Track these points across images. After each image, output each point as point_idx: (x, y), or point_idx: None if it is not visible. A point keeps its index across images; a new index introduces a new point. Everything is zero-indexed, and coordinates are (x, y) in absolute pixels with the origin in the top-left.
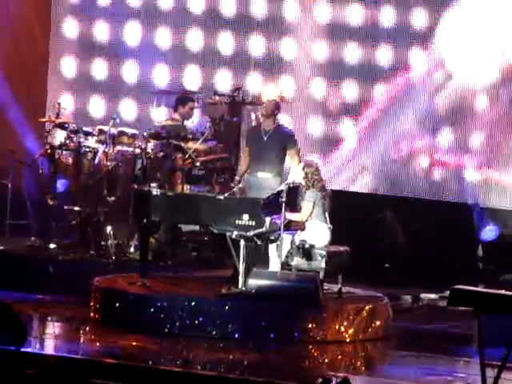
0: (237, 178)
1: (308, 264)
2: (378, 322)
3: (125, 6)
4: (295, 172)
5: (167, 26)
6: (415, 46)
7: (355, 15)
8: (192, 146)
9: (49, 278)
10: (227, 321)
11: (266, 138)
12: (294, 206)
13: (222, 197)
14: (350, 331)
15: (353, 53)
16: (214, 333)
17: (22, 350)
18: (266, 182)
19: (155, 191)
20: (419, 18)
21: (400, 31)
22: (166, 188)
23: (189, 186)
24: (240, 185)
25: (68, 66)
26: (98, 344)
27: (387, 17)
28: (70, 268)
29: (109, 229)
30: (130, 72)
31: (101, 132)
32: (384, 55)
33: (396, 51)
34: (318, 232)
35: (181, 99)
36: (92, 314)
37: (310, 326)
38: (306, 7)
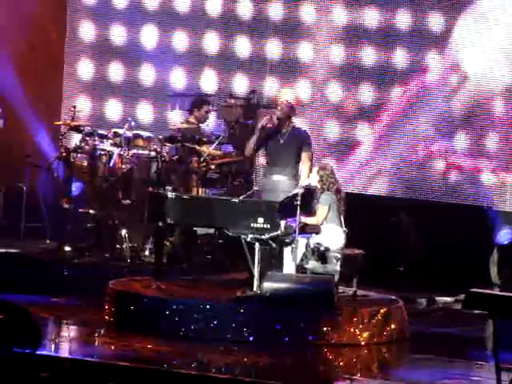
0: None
1: (323, 267)
2: (392, 326)
3: (141, 8)
4: (310, 175)
5: (184, 29)
6: (431, 49)
7: (371, 18)
8: (207, 149)
9: (64, 280)
10: (242, 324)
11: (282, 141)
12: (308, 210)
13: (236, 200)
14: (365, 334)
15: (369, 56)
16: (228, 336)
17: (37, 352)
18: (281, 184)
19: (170, 194)
20: (435, 21)
21: (416, 34)
22: (180, 191)
23: (204, 189)
24: (256, 187)
25: (84, 68)
26: (112, 347)
27: (403, 20)
28: (84, 271)
29: (124, 232)
30: (146, 75)
31: (116, 135)
32: (400, 58)
33: (412, 54)
34: (332, 235)
35: (196, 102)
36: (107, 317)
37: (325, 329)
38: (321, 10)
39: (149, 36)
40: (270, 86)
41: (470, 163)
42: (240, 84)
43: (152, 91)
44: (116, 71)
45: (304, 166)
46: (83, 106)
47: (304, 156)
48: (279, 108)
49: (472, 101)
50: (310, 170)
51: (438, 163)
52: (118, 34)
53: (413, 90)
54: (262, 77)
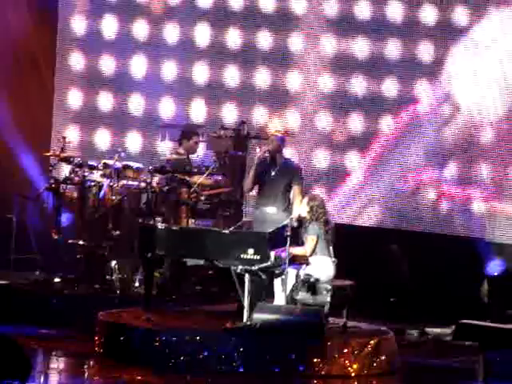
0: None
1: (313, 298)
2: (383, 357)
3: (130, 39)
4: (300, 205)
5: (173, 59)
6: (422, 79)
7: (361, 47)
8: (197, 180)
9: (53, 312)
10: (232, 355)
11: (273, 174)
12: (297, 240)
13: (226, 231)
14: (355, 366)
15: (359, 85)
16: (218, 367)
17: None
18: (273, 216)
19: (160, 225)
20: (426, 51)
21: (406, 64)
22: (170, 222)
23: (194, 220)
24: (246, 218)
25: (73, 98)
26: (102, 379)
27: (393, 49)
28: (74, 302)
29: (113, 263)
30: (135, 105)
31: (106, 166)
32: (390, 88)
33: (402, 84)
34: (322, 266)
35: (186, 133)
36: (96, 349)
37: (315, 360)
38: (311, 39)
39: (138, 66)
40: (260, 115)
41: (460, 193)
42: (229, 114)
43: (141, 121)
44: (105, 101)
45: (295, 199)
46: (73, 135)
47: (295, 189)
48: (269, 141)
49: (463, 131)
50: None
51: (429, 193)
52: (107, 64)
53: (403, 119)
54: (251, 106)
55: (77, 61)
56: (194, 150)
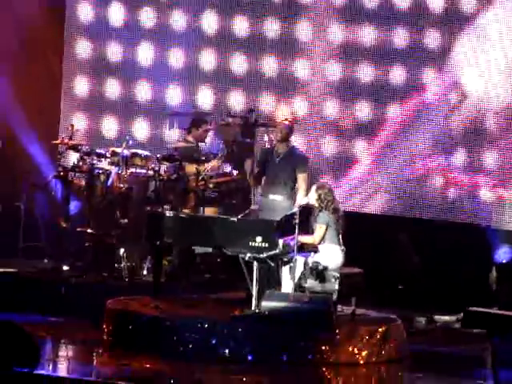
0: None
1: (321, 286)
2: (391, 344)
3: (137, 26)
4: (309, 194)
5: (180, 46)
6: (429, 67)
7: (368, 36)
8: (204, 168)
9: (61, 300)
10: (240, 343)
11: (278, 161)
12: (306, 229)
13: (235, 219)
14: (364, 353)
15: (366, 73)
16: (227, 355)
17: (36, 372)
18: (277, 204)
19: (168, 213)
20: (433, 39)
21: (414, 52)
22: (179, 210)
23: (202, 208)
24: (253, 207)
25: (80, 86)
26: (110, 366)
27: (401, 37)
28: (82, 290)
29: (122, 251)
30: (142, 92)
31: (114, 154)
32: (398, 76)
33: (410, 72)
34: (331, 254)
35: (195, 121)
36: (105, 337)
37: (324, 348)
38: (318, 27)
39: (145, 53)
40: (268, 103)
41: (468, 181)
42: (236, 101)
43: (148, 109)
44: (112, 88)
45: (300, 187)
46: (80, 123)
47: (300, 177)
48: (277, 129)
49: (470, 118)
50: (307, 192)
51: (437, 180)
52: (114, 52)
53: (411, 107)
54: (259, 94)
55: (84, 48)
56: (203, 138)
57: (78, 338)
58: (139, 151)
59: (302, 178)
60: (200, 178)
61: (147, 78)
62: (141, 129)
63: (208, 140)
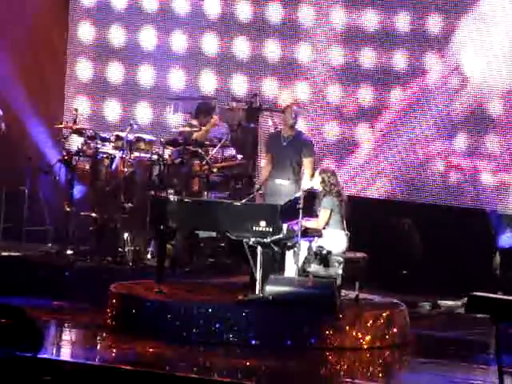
0: (257, 185)
1: (325, 270)
2: (395, 329)
3: (140, 10)
4: (312, 178)
5: (183, 30)
6: (431, 51)
7: (371, 20)
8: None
9: (65, 284)
10: (244, 327)
11: (285, 145)
12: (310, 213)
13: (239, 203)
14: (368, 338)
15: (368, 58)
16: (230, 339)
17: (39, 356)
18: (283, 188)
19: (172, 198)
20: (435, 23)
21: (416, 36)
22: (183, 194)
23: (206, 193)
24: (260, 191)
25: (84, 70)
26: (114, 351)
27: (403, 22)
28: (86, 274)
29: (126, 235)
30: (145, 76)
31: (118, 138)
32: (400, 60)
33: (412, 56)
34: (335, 238)
35: (204, 108)
36: (109, 321)
37: (327, 332)
38: (321, 12)
39: (148, 37)
40: (270, 88)
41: (471, 165)
42: (240, 86)
43: (152, 92)
44: (116, 72)
45: (306, 171)
46: (84, 107)
47: (306, 162)
48: (288, 113)
49: (472, 102)
50: (312, 176)
51: (439, 165)
52: (117, 36)
53: (412, 91)
54: (262, 78)
55: (88, 32)
56: (207, 124)
57: (81, 322)
58: (143, 135)
59: (308, 162)
60: (204, 162)
61: (150, 62)
62: (145, 113)
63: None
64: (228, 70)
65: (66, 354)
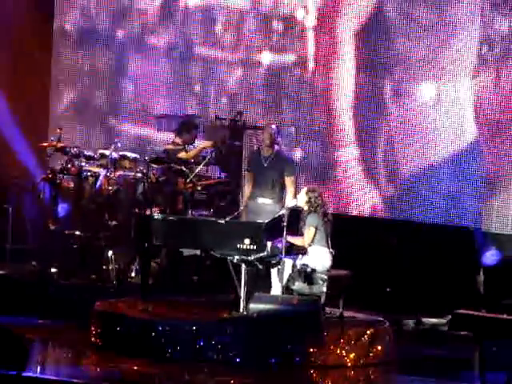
0: (242, 203)
1: (309, 288)
2: (379, 347)
3: (125, 33)
4: (298, 196)
5: (168, 57)
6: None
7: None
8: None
9: (49, 302)
10: (228, 345)
11: (265, 164)
12: (295, 231)
13: (223, 221)
14: (352, 356)
15: (351, 81)
16: (214, 357)
17: (23, 374)
18: (266, 207)
19: (156, 215)
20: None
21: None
22: (167, 212)
23: (190, 211)
24: (242, 207)
25: (69, 90)
26: (98, 369)
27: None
28: (70, 292)
29: (110, 253)
30: (130, 96)
31: (102, 156)
32: (383, 86)
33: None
34: (319, 256)
35: (186, 125)
36: (93, 339)
37: (311, 350)
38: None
39: (132, 59)
40: (255, 107)
41: (455, 184)
42: (224, 104)
43: (137, 112)
44: (100, 93)
45: (289, 189)
46: (69, 126)
47: (288, 181)
48: (265, 132)
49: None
50: (294, 195)
51: (424, 183)
52: (101, 57)
53: (397, 114)
54: (247, 98)
55: (71, 53)
56: (191, 143)
57: (65, 340)
58: (127, 154)
59: (290, 181)
60: (188, 180)
61: (134, 82)
62: (129, 132)
63: (196, 142)
64: (212, 89)
65: (50, 372)
